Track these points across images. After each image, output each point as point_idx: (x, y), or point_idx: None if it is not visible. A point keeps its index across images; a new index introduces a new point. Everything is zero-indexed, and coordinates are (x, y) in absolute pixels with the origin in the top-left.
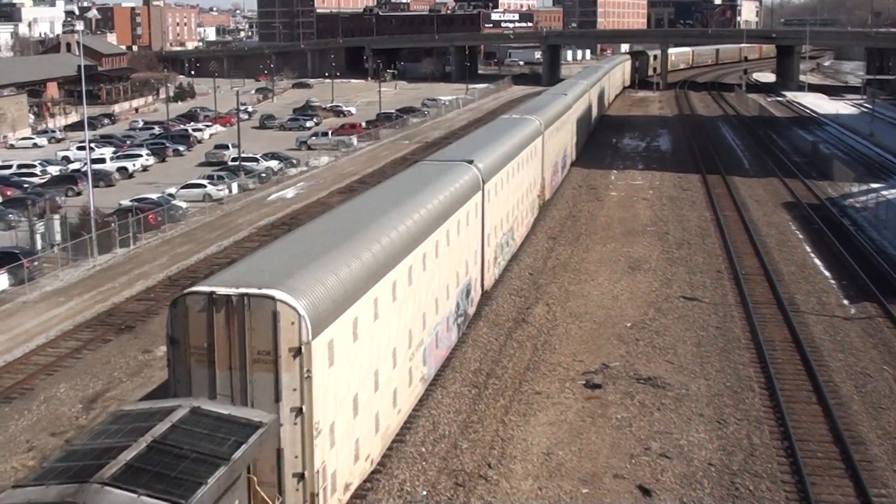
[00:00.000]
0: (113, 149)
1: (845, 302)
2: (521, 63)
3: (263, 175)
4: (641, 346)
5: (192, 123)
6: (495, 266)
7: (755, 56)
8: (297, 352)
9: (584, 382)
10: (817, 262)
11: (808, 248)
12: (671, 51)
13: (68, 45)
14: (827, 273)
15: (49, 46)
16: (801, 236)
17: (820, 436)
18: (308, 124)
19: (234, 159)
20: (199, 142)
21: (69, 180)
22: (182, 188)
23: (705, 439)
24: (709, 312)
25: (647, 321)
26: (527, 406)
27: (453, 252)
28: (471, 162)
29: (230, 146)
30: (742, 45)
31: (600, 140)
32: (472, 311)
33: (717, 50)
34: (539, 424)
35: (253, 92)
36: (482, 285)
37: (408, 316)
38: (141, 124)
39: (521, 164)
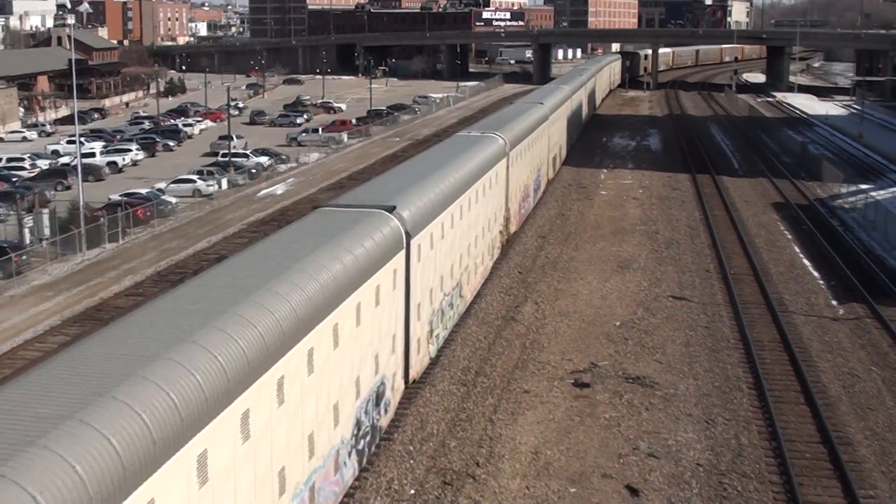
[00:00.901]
0: (103, 143)
1: (834, 302)
2: (513, 62)
3: (253, 171)
4: (630, 346)
5: (182, 119)
6: (431, 343)
7: (738, 56)
8: None
9: (572, 381)
10: (806, 262)
11: (797, 249)
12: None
13: (59, 38)
14: (815, 273)
15: (40, 40)
16: (789, 236)
17: (808, 436)
18: (298, 121)
19: (223, 154)
20: (190, 137)
21: (59, 174)
22: (172, 183)
23: (693, 439)
24: (697, 312)
25: (635, 320)
26: (515, 405)
27: (348, 350)
28: (392, 209)
29: (235, 137)
30: (723, 45)
31: (591, 139)
32: (385, 420)
33: (697, 51)
34: (527, 423)
35: (244, 88)
36: (406, 377)
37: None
38: (142, 113)
39: (476, 199)
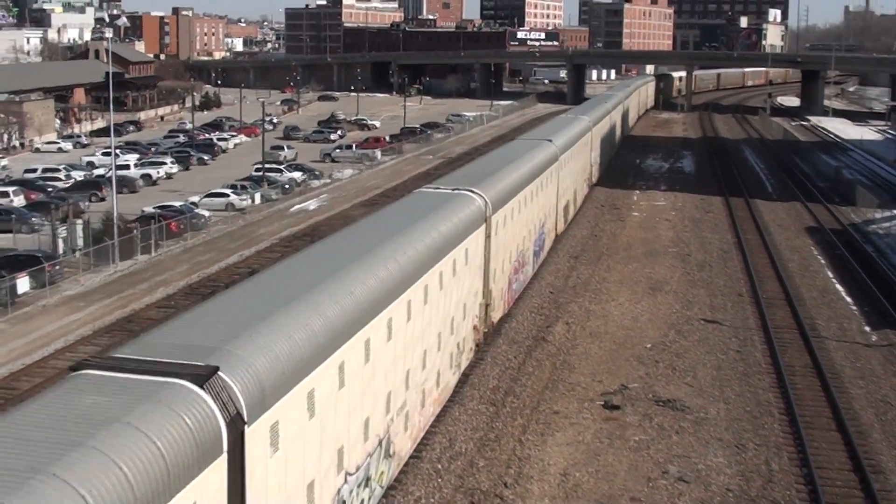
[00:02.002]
0: (138, 156)
1: (867, 328)
2: (546, 81)
3: (286, 186)
4: (661, 368)
5: (216, 133)
6: None
7: (759, 81)
8: None
9: (602, 403)
10: (839, 287)
11: (830, 274)
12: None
13: (97, 51)
14: (849, 299)
15: (77, 53)
16: (823, 261)
17: (839, 463)
18: (332, 137)
19: (257, 169)
20: (224, 151)
21: (93, 186)
22: (205, 197)
23: (724, 464)
24: (729, 336)
25: (667, 343)
26: (544, 425)
27: None
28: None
29: (285, 147)
30: (745, 69)
31: (624, 160)
32: None
33: (719, 75)
34: (556, 444)
35: (278, 103)
36: None
37: None
38: (188, 125)
39: (439, 285)
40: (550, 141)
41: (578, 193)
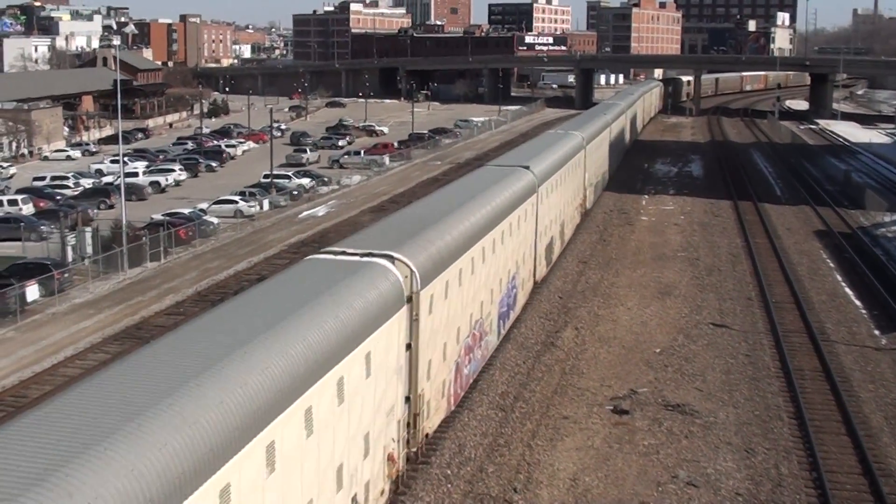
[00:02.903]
0: (146, 163)
1: (876, 332)
2: (555, 86)
3: (295, 192)
4: (670, 373)
5: (225, 140)
6: None
7: (758, 85)
8: None
9: (611, 408)
10: (848, 291)
11: (840, 277)
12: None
13: (104, 59)
14: (858, 303)
15: (85, 60)
16: (832, 265)
17: (849, 467)
18: (340, 143)
19: (265, 176)
20: (232, 158)
21: (102, 193)
22: (214, 204)
23: (733, 468)
24: (738, 340)
25: (676, 347)
26: (554, 431)
27: None
28: None
29: (308, 150)
30: (743, 73)
31: (632, 165)
32: None
33: (717, 79)
34: (566, 449)
35: (286, 110)
36: None
37: None
38: (205, 129)
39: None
40: (527, 168)
41: (567, 226)
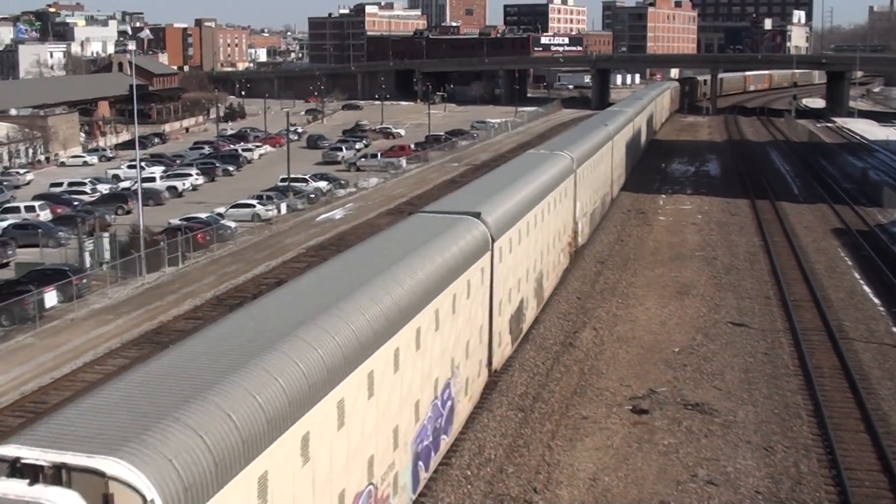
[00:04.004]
0: (163, 168)
1: (895, 329)
2: (571, 87)
3: (312, 196)
4: (689, 372)
5: (241, 144)
6: None
7: (762, 85)
8: None
9: (630, 408)
10: (866, 288)
11: (858, 275)
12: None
13: (120, 64)
14: (876, 300)
15: (101, 66)
16: (850, 263)
17: (868, 464)
18: (357, 146)
19: (283, 179)
20: (249, 162)
21: (119, 199)
22: (231, 208)
23: (752, 466)
24: (757, 338)
25: (694, 346)
26: (573, 431)
27: None
28: None
29: (343, 148)
30: (747, 73)
31: (649, 164)
32: None
33: (721, 80)
34: (585, 449)
35: (303, 113)
36: None
37: None
38: (229, 131)
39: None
40: (478, 216)
41: (548, 275)
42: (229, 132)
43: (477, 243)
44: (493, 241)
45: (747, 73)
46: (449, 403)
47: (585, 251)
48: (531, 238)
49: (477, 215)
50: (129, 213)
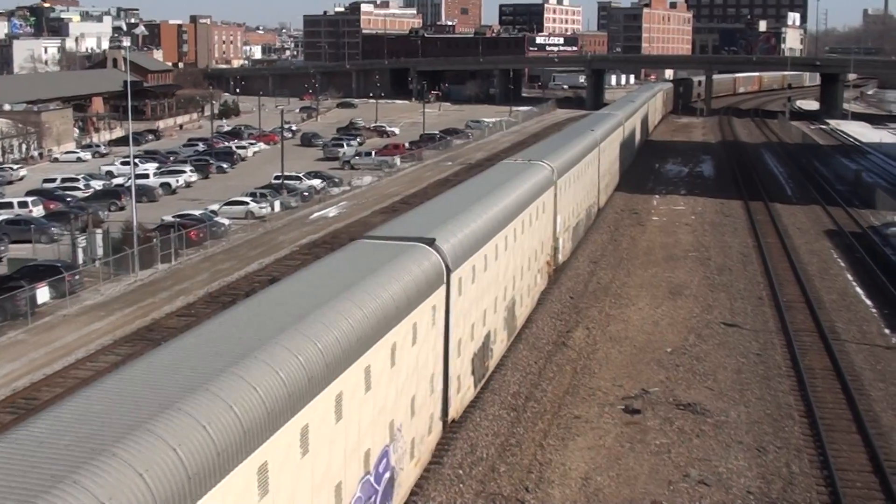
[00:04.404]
0: (157, 164)
1: (887, 331)
2: (566, 87)
3: (306, 194)
4: (681, 372)
5: (236, 141)
6: None
7: (752, 87)
8: None
9: (623, 407)
10: (859, 290)
11: (850, 277)
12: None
13: (115, 60)
14: (869, 302)
15: (95, 62)
16: (843, 264)
17: (860, 465)
18: (352, 143)
19: (276, 177)
20: (243, 159)
21: (112, 195)
22: (225, 205)
23: (744, 467)
24: (749, 339)
25: (687, 347)
26: (565, 430)
27: None
28: None
29: (345, 144)
30: (737, 75)
31: (644, 164)
32: None
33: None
34: (577, 449)
35: (297, 111)
36: None
37: None
38: (226, 128)
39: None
40: (431, 244)
41: (521, 302)
42: (226, 128)
43: (428, 277)
44: (450, 271)
45: (737, 75)
46: (387, 475)
47: (577, 251)
48: (501, 263)
49: (430, 242)
50: (122, 209)
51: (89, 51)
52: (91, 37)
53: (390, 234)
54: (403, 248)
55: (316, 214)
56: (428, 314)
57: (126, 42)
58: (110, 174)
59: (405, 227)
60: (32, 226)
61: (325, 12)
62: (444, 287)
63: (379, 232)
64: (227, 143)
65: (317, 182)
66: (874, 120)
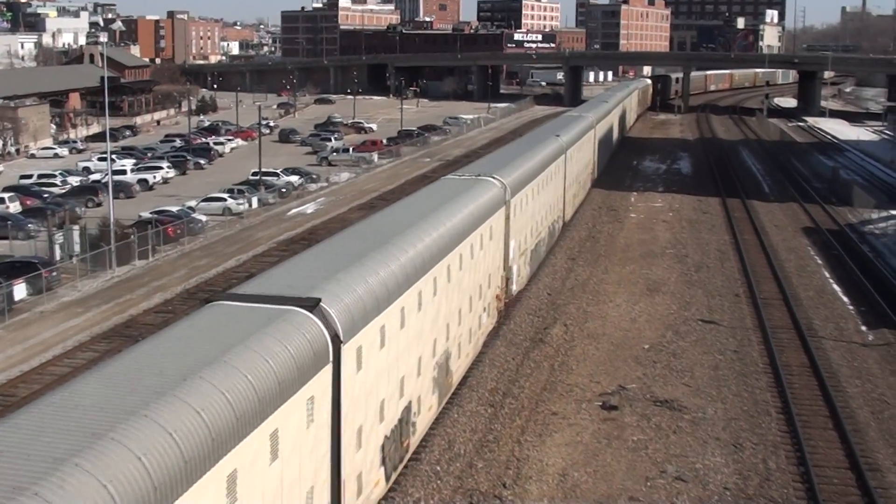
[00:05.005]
0: (134, 160)
1: (863, 328)
2: (544, 83)
3: (283, 190)
4: (658, 369)
5: (213, 137)
6: None
7: (723, 85)
8: None
9: (600, 404)
10: (836, 287)
11: (827, 274)
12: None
13: (91, 56)
14: (845, 299)
15: (72, 57)
16: (819, 261)
17: (836, 462)
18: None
19: (254, 173)
20: (220, 155)
21: (89, 191)
22: (202, 201)
23: (721, 463)
24: (726, 336)
25: (664, 343)
26: (543, 426)
27: None
28: None
29: (333, 138)
30: (708, 72)
31: (621, 162)
32: None
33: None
34: (555, 445)
35: (275, 107)
36: None
37: None
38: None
39: None
40: (312, 308)
41: (463, 346)
42: (207, 123)
43: (302, 357)
44: (342, 342)
45: (708, 72)
46: None
47: (555, 248)
48: (427, 312)
49: (311, 305)
50: (99, 205)
51: (66, 46)
52: (68, 32)
53: (259, 292)
54: (268, 317)
55: (293, 211)
56: (299, 412)
57: (103, 38)
58: (87, 170)
59: (284, 281)
60: (9, 222)
61: (302, 8)
62: (330, 367)
63: (246, 288)
64: (204, 140)
65: (294, 178)
66: (852, 117)
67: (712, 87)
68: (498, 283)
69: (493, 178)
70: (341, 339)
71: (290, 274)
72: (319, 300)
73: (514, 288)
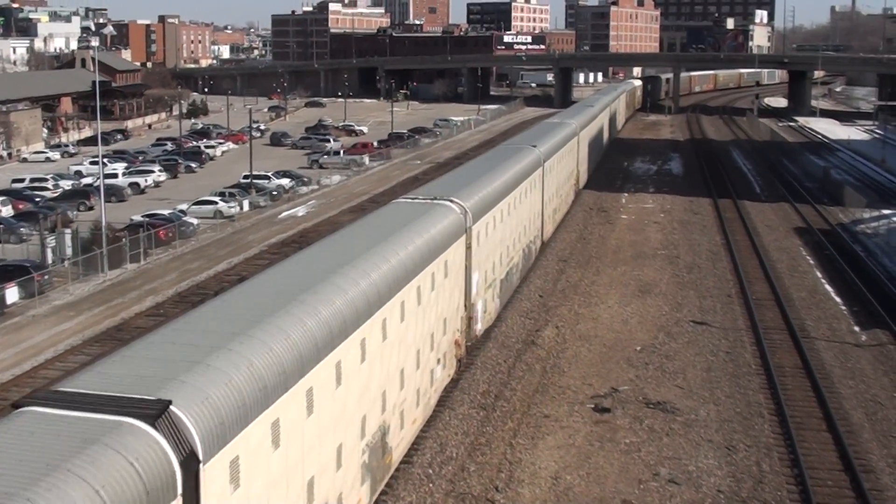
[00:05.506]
0: (125, 164)
1: (856, 328)
2: (534, 85)
3: (275, 193)
4: (651, 371)
5: (204, 140)
6: None
7: (707, 86)
8: None
9: (592, 406)
10: (828, 287)
11: (819, 274)
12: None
13: (83, 60)
14: (838, 299)
15: (64, 62)
16: (811, 262)
17: (830, 463)
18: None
19: (245, 176)
20: (212, 159)
21: (81, 195)
22: (193, 205)
23: (714, 465)
24: (719, 337)
25: (656, 345)
26: (535, 429)
27: None
28: None
29: (331, 140)
30: (692, 73)
31: (612, 163)
32: None
33: (668, 80)
34: (547, 448)
35: (266, 110)
36: None
37: None
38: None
39: None
40: (153, 419)
41: (409, 413)
42: (199, 126)
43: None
44: (199, 463)
45: (692, 73)
46: None
47: (546, 250)
48: (351, 385)
49: (154, 415)
50: (91, 209)
51: (58, 51)
52: (59, 37)
53: (90, 389)
54: (83, 437)
55: (285, 214)
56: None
57: (94, 42)
58: (79, 174)
59: (139, 364)
60: (1, 226)
61: (293, 11)
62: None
63: (78, 382)
64: (195, 143)
65: (285, 181)
66: (842, 117)
67: (696, 89)
68: (457, 326)
69: (452, 201)
70: (199, 458)
71: (145, 357)
72: (169, 403)
73: (479, 327)
